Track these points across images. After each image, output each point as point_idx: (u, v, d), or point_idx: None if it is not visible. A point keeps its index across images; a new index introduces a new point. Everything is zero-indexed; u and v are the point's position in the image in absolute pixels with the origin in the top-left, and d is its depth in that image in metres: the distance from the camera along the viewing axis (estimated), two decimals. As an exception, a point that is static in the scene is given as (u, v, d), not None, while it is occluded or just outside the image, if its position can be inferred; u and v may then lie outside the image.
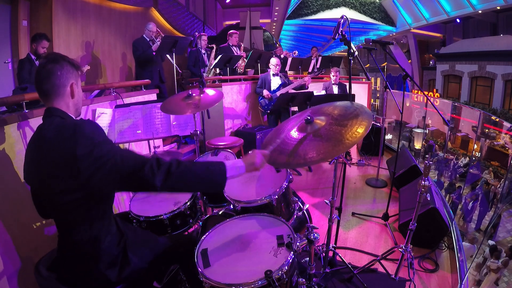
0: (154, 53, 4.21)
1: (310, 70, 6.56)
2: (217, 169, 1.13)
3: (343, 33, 1.77)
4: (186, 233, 1.83)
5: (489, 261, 2.00)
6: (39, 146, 1.11)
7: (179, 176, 1.05)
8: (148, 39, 4.28)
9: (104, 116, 2.49)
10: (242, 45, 5.47)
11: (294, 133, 1.36)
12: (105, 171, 1.02)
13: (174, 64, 4.14)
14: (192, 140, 4.01)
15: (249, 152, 1.24)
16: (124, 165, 1.03)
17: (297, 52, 7.25)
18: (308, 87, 4.37)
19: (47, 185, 1.10)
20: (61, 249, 1.21)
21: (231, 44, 5.34)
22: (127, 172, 1.03)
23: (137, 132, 2.57)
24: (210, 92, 2.23)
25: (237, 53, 5.25)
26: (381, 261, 2.01)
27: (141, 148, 3.08)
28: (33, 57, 3.28)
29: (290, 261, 1.15)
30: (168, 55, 4.34)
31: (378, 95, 16.83)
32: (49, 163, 1.07)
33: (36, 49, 3.26)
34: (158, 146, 3.14)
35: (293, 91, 4.20)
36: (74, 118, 1.21)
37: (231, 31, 5.43)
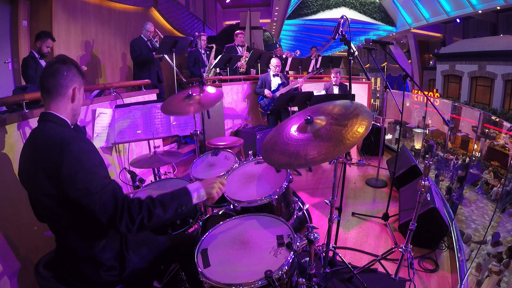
0: (154, 53, 4.22)
1: (310, 70, 6.56)
2: (185, 209, 1.18)
3: (343, 33, 1.77)
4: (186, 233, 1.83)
5: (491, 264, 1.99)
6: (31, 151, 1.12)
7: (151, 226, 1.12)
8: (146, 39, 4.27)
9: (104, 116, 2.49)
10: (246, 45, 5.49)
11: (294, 133, 1.36)
12: (84, 203, 1.04)
13: (174, 68, 4.13)
14: (192, 140, 4.01)
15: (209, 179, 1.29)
16: (104, 210, 1.04)
17: (299, 52, 7.23)
18: (301, 89, 4.37)
19: (37, 190, 1.10)
20: (58, 251, 1.21)
21: (237, 44, 5.37)
22: (104, 220, 1.04)
23: (137, 132, 2.57)
24: (210, 90, 2.21)
25: (241, 53, 5.27)
26: (381, 261, 2.01)
27: (141, 148, 3.08)
28: (36, 55, 3.22)
29: (290, 261, 1.15)
30: (168, 58, 4.34)
31: (378, 95, 16.79)
32: (38, 169, 1.07)
33: (41, 47, 3.21)
34: (158, 146, 3.14)
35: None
36: (70, 123, 1.21)
37: (237, 31, 5.48)
